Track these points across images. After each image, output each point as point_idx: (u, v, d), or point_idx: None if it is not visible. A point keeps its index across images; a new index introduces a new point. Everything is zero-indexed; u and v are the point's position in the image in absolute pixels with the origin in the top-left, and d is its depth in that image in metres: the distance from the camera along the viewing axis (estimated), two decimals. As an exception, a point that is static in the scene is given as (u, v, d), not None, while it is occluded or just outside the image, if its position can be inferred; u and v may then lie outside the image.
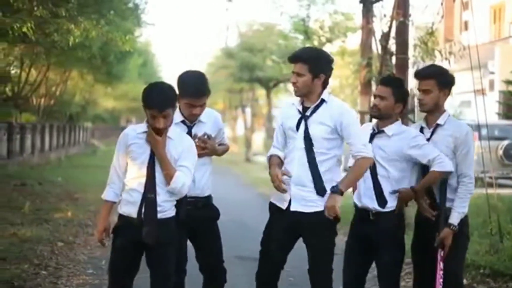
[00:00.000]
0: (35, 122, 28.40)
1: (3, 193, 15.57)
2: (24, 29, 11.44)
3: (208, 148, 5.75)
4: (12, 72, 25.36)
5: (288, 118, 5.60)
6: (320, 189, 5.41)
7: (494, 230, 9.14)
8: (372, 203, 5.60)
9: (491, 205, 8.79)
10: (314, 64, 5.44)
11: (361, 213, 5.71)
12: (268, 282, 5.66)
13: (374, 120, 5.83)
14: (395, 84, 5.80)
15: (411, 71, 12.01)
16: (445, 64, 12.42)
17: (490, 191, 9.13)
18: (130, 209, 5.22)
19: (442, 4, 11.88)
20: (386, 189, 5.58)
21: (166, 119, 5.17)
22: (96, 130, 55.04)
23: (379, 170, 5.59)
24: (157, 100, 5.14)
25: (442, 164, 5.45)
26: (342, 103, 5.62)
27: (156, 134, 5.17)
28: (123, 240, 5.27)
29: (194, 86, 5.63)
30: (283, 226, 5.52)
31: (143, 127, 5.30)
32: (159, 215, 5.20)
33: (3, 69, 21.66)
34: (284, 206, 5.51)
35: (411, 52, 12.48)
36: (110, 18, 15.54)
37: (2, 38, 14.44)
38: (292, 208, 5.46)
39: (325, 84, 5.54)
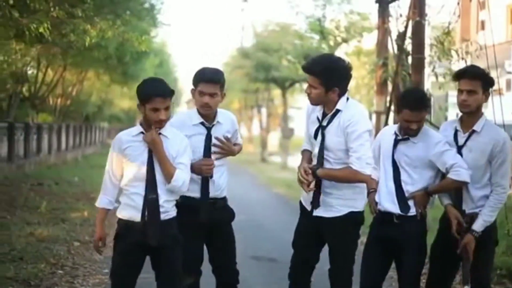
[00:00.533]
0: (52, 122, 28.53)
1: (20, 193, 15.65)
2: (41, 30, 11.48)
3: (225, 149, 5.75)
4: (29, 72, 25.45)
5: (311, 123, 5.60)
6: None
7: (511, 231, 9.09)
8: (394, 208, 5.48)
9: (508, 206, 8.73)
10: (326, 78, 5.33)
11: (384, 216, 5.54)
12: (298, 279, 5.70)
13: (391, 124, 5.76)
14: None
15: (427, 71, 11.99)
16: (461, 64, 12.39)
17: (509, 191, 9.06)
18: (132, 213, 5.21)
19: (458, 3, 11.83)
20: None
21: (167, 110, 5.20)
22: (112, 130, 55.19)
23: (403, 176, 5.48)
24: (160, 88, 5.19)
25: (458, 173, 5.31)
26: (354, 113, 5.38)
27: (157, 127, 5.17)
28: (126, 244, 5.25)
29: (208, 72, 5.64)
30: (308, 227, 5.60)
31: (137, 129, 5.30)
32: (162, 216, 5.21)
33: (20, 70, 21.74)
34: (308, 207, 5.55)
35: (427, 52, 12.44)
36: (126, 19, 15.55)
37: (19, 38, 14.49)
38: (315, 213, 5.51)
39: (341, 94, 5.41)
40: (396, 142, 5.53)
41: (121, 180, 5.30)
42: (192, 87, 5.67)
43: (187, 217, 5.50)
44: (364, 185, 5.51)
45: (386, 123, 15.54)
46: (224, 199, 5.82)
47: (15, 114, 23.64)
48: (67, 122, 31.70)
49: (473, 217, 5.42)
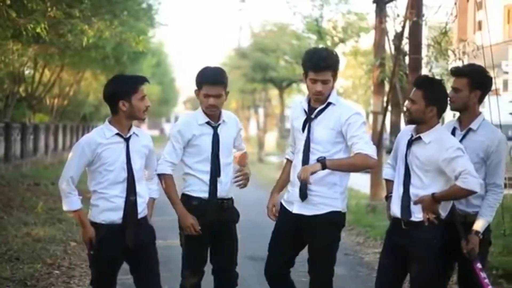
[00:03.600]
0: (49, 122, 28.50)
1: (17, 193, 15.64)
2: (38, 30, 11.47)
3: (247, 178, 5.92)
4: (26, 72, 25.43)
5: (296, 118, 5.60)
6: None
7: (508, 231, 9.09)
8: (399, 213, 5.36)
9: (504, 206, 8.73)
10: (337, 69, 5.47)
11: (394, 222, 5.45)
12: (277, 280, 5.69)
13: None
14: (426, 86, 5.37)
15: (424, 71, 11.99)
16: (458, 65, 12.39)
17: (504, 192, 9.07)
18: (112, 216, 5.21)
19: (455, 4, 11.83)
20: None
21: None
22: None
23: (414, 180, 5.30)
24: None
25: (466, 181, 5.06)
26: (351, 107, 5.56)
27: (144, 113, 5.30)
28: (111, 248, 5.22)
29: (211, 74, 5.66)
30: (287, 227, 5.57)
31: (110, 129, 5.26)
32: (140, 215, 5.27)
33: (17, 70, 21.72)
34: (290, 208, 5.55)
35: (424, 52, 12.45)
36: (123, 19, 15.58)
37: (16, 39, 14.48)
38: (295, 211, 5.50)
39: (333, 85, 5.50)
40: (410, 143, 5.35)
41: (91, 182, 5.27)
42: (195, 88, 5.70)
43: (195, 217, 5.53)
44: (346, 185, 5.53)
45: (383, 123, 15.58)
46: (231, 199, 5.83)
47: (12, 114, 23.60)
48: (64, 122, 31.67)
49: (466, 216, 5.39)
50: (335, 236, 5.57)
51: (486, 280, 5.32)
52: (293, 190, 5.55)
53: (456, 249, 5.33)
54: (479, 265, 5.31)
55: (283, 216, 5.64)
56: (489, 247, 5.67)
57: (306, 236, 5.51)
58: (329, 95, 5.45)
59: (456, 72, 5.56)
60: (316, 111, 5.46)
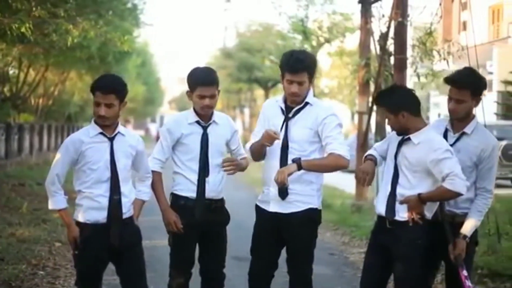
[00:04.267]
0: (33, 122, 28.37)
1: (2, 193, 15.55)
2: (23, 30, 11.42)
3: (236, 165, 5.78)
4: (11, 72, 25.32)
5: (273, 117, 5.60)
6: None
7: (492, 230, 9.14)
8: (385, 212, 5.37)
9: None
10: (313, 71, 5.49)
11: (379, 221, 5.46)
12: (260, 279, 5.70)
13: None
14: (388, 96, 5.45)
15: (409, 72, 12.03)
16: (443, 65, 12.44)
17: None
18: (97, 215, 5.21)
19: (440, 4, 11.89)
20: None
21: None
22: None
23: (402, 180, 5.30)
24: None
25: (453, 182, 5.09)
26: (328, 107, 5.60)
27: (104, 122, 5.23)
28: (95, 250, 5.22)
29: (203, 75, 5.69)
30: (266, 227, 5.58)
31: (94, 129, 5.26)
32: (125, 215, 5.25)
33: (2, 70, 21.61)
34: (267, 207, 5.56)
35: (409, 52, 12.49)
36: (108, 19, 15.52)
37: (0, 38, 14.42)
38: (271, 209, 5.50)
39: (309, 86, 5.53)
40: (400, 144, 5.36)
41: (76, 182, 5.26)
42: (187, 89, 5.73)
43: (182, 217, 5.53)
44: (322, 183, 5.56)
45: (368, 123, 15.61)
46: (221, 200, 5.82)
47: (-4, 114, 23.49)
48: (49, 122, 31.53)
49: (454, 217, 5.40)
50: (313, 233, 5.60)
51: (464, 275, 5.34)
52: (268, 190, 5.57)
53: (443, 249, 5.34)
54: (464, 273, 5.33)
55: (260, 217, 5.67)
56: (475, 247, 5.69)
57: (285, 235, 5.52)
58: (306, 95, 5.48)
59: (460, 84, 5.45)
60: (294, 110, 5.49)
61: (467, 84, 5.43)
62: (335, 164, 5.42)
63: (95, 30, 12.96)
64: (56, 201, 5.23)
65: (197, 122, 5.70)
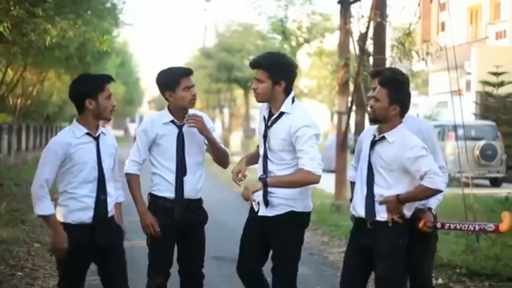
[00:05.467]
0: (12, 123, 28.20)
1: (-21, 194, 15.45)
2: (1, 29, 11.36)
3: (199, 122, 5.64)
4: (-12, 72, 25.15)
5: (260, 123, 5.63)
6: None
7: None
8: (364, 213, 5.36)
9: (467, 205, 8.85)
10: (274, 71, 5.35)
11: (358, 222, 5.44)
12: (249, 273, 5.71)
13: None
14: (391, 85, 5.33)
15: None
16: (422, 65, 12.51)
17: (467, 191, 9.17)
18: (81, 215, 5.16)
19: (419, 5, 11.94)
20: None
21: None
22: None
23: (378, 180, 5.29)
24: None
25: (432, 180, 5.10)
26: (303, 117, 5.38)
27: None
28: (82, 251, 5.19)
29: (181, 68, 5.74)
30: (254, 226, 5.60)
31: (80, 129, 5.22)
32: (109, 214, 5.27)
33: (-21, 69, 21.47)
34: (256, 207, 5.57)
35: (388, 52, 12.55)
36: (87, 18, 15.44)
37: (-22, 38, 14.32)
38: (260, 213, 5.52)
39: (287, 92, 5.43)
40: (373, 144, 5.33)
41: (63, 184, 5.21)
42: (167, 90, 5.67)
43: (160, 217, 5.52)
44: (307, 186, 5.51)
45: (347, 123, 15.67)
46: (199, 200, 5.80)
47: (-26, 115, 23.34)
48: (27, 122, 31.36)
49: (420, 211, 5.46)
50: (295, 236, 5.56)
51: (447, 223, 5.59)
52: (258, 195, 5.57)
53: (407, 249, 5.39)
54: (439, 224, 5.50)
55: (250, 217, 5.68)
56: (436, 242, 5.79)
57: (269, 237, 5.54)
58: (283, 102, 5.41)
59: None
60: (271, 120, 5.46)
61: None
62: (304, 180, 5.35)
63: (73, 30, 12.91)
64: (45, 207, 5.09)
65: (172, 121, 5.69)
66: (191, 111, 5.75)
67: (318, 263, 9.77)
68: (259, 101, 5.54)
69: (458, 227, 5.68)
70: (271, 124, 5.44)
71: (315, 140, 5.34)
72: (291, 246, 5.54)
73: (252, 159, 5.70)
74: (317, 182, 5.36)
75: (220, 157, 5.88)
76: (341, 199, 15.11)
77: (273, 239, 5.51)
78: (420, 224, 5.37)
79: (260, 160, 5.53)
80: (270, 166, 5.43)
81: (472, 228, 5.86)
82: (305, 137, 5.28)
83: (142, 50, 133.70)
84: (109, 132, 5.42)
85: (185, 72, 5.65)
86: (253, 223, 5.61)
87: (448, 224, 5.62)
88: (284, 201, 5.44)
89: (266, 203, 5.44)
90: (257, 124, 5.78)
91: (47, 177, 5.10)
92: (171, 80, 5.64)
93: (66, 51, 18.58)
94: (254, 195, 5.36)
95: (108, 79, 5.31)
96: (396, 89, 5.29)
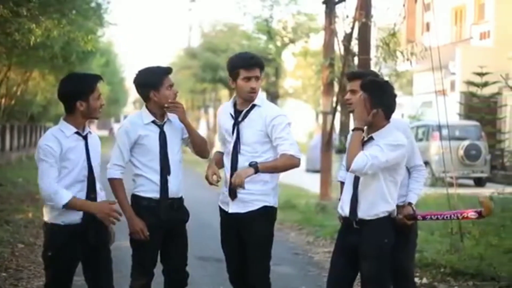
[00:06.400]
0: (-4, 123, 28.09)
1: (-37, 194, 15.39)
2: (-16, 29, 11.31)
3: (180, 108, 5.68)
4: (-28, 72, 25.03)
5: (224, 122, 5.71)
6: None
7: (455, 229, 9.24)
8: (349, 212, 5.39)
9: (451, 204, 8.87)
10: (263, 68, 5.66)
11: (346, 222, 5.44)
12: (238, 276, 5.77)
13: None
14: (371, 89, 5.33)
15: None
16: (406, 65, 12.55)
17: (451, 190, 9.21)
18: (72, 216, 5.14)
19: (404, 5, 11.98)
20: (368, 199, 5.29)
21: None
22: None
23: (365, 179, 5.28)
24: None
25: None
26: (275, 108, 5.76)
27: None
28: (72, 251, 5.18)
29: (163, 67, 5.74)
30: (228, 228, 5.71)
31: (69, 128, 5.21)
32: None
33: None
34: (226, 208, 5.65)
35: (373, 53, 12.57)
36: (72, 18, 15.38)
37: (-39, 37, 14.24)
38: (231, 211, 5.61)
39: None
40: (362, 145, 5.30)
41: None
42: (151, 90, 5.65)
43: (146, 218, 5.51)
44: (277, 181, 5.69)
45: (332, 123, 15.70)
46: (181, 199, 5.83)
47: (-43, 114, 23.22)
48: (11, 122, 31.24)
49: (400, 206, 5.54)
50: (270, 230, 5.70)
51: (428, 214, 5.72)
52: (226, 191, 5.66)
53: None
54: (418, 215, 5.59)
55: (223, 219, 5.78)
56: (416, 239, 5.89)
57: (243, 233, 5.62)
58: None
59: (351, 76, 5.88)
60: (243, 113, 5.59)
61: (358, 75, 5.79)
62: (289, 164, 5.56)
63: (58, 30, 12.86)
64: (62, 195, 5.05)
65: (153, 122, 5.69)
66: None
67: (303, 263, 9.78)
68: (253, 100, 5.60)
69: (440, 217, 5.78)
70: (243, 118, 5.58)
71: (290, 128, 5.60)
72: (267, 240, 5.66)
73: (219, 162, 5.82)
74: (298, 165, 5.60)
75: (200, 144, 5.88)
76: (326, 199, 15.13)
77: (249, 235, 5.59)
78: (400, 215, 5.46)
79: (228, 157, 5.64)
80: (241, 160, 5.54)
81: (454, 217, 5.95)
82: (282, 125, 5.52)
83: (127, 50, 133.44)
84: (94, 132, 5.43)
85: (167, 71, 5.69)
86: (227, 227, 5.72)
87: (429, 216, 5.71)
88: (258, 196, 5.56)
89: (234, 196, 5.54)
90: (219, 127, 5.82)
91: (54, 176, 5.08)
92: (155, 79, 5.64)
93: (51, 50, 18.51)
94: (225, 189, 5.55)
95: (98, 79, 5.30)
96: (378, 93, 5.30)
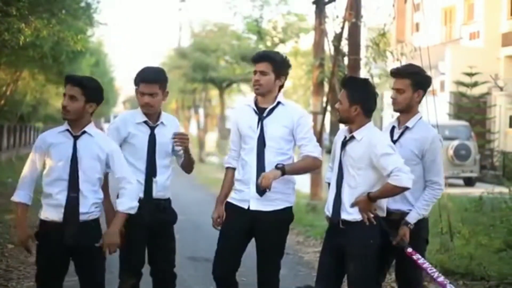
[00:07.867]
0: (-15, 123, 28.00)
1: (-48, 195, 15.32)
2: (-27, 28, 11.27)
3: (185, 139, 5.76)
4: (-39, 72, 24.94)
5: (247, 119, 5.68)
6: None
7: (445, 229, 9.26)
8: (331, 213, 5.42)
9: (441, 204, 8.90)
10: (278, 65, 5.61)
11: (332, 222, 5.45)
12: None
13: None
14: (349, 85, 5.41)
15: (363, 72, 12.12)
16: (396, 65, 12.56)
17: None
18: (54, 214, 5.15)
19: (393, 5, 12.00)
20: (351, 200, 5.30)
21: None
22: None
23: (349, 179, 5.32)
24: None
25: (398, 178, 5.09)
26: (300, 107, 5.86)
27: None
28: (50, 246, 5.17)
29: (146, 72, 5.73)
30: (241, 226, 5.60)
31: (64, 126, 5.27)
32: (84, 217, 5.17)
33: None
34: (245, 206, 5.60)
35: (363, 53, 12.59)
36: (61, 18, 15.34)
37: (-50, 37, 14.18)
38: (252, 208, 5.55)
39: (281, 87, 5.68)
40: (344, 144, 5.36)
41: (41, 178, 5.24)
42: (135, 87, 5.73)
43: (130, 217, 5.49)
44: (295, 181, 5.71)
45: (322, 123, 15.71)
46: (168, 200, 5.81)
47: None
48: (1, 122, 31.14)
49: (401, 214, 5.46)
50: (287, 229, 5.78)
51: (421, 260, 5.38)
52: (247, 188, 5.59)
53: (393, 246, 5.42)
54: (409, 250, 5.37)
55: (235, 215, 5.66)
56: (426, 245, 5.77)
57: (260, 232, 5.59)
58: (276, 95, 5.64)
59: (400, 73, 5.62)
60: (268, 109, 5.61)
61: (407, 74, 5.59)
62: (312, 166, 5.70)
63: (48, 29, 12.82)
64: (16, 195, 5.28)
65: (145, 122, 5.69)
66: (165, 116, 5.80)
67: (293, 263, 9.78)
68: (259, 93, 5.65)
69: (423, 266, 5.38)
70: (268, 114, 5.60)
71: (312, 130, 5.73)
72: (284, 239, 5.75)
73: (229, 188, 5.84)
74: (320, 167, 5.83)
75: (187, 165, 5.99)
76: (316, 199, 15.14)
77: (267, 235, 5.60)
78: (394, 242, 5.40)
79: (251, 154, 5.60)
80: (268, 156, 5.54)
81: (432, 275, 5.43)
82: (307, 126, 5.65)
83: (117, 50, 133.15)
84: (100, 136, 5.34)
85: (143, 79, 5.67)
86: (240, 223, 5.61)
87: (417, 256, 5.38)
88: (281, 196, 5.60)
89: (263, 193, 5.52)
90: (238, 125, 5.77)
91: (30, 170, 5.27)
92: (135, 81, 5.73)
93: (40, 50, 18.47)
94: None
95: (66, 80, 5.32)
96: (355, 90, 5.35)
